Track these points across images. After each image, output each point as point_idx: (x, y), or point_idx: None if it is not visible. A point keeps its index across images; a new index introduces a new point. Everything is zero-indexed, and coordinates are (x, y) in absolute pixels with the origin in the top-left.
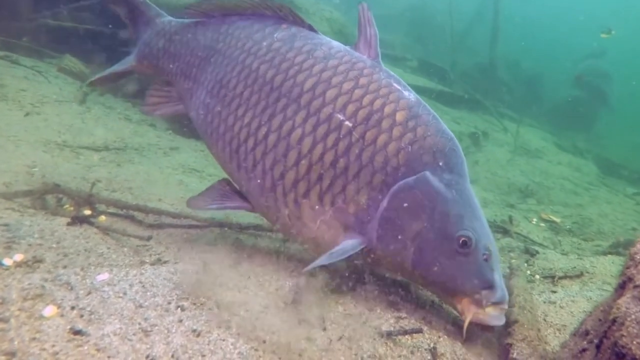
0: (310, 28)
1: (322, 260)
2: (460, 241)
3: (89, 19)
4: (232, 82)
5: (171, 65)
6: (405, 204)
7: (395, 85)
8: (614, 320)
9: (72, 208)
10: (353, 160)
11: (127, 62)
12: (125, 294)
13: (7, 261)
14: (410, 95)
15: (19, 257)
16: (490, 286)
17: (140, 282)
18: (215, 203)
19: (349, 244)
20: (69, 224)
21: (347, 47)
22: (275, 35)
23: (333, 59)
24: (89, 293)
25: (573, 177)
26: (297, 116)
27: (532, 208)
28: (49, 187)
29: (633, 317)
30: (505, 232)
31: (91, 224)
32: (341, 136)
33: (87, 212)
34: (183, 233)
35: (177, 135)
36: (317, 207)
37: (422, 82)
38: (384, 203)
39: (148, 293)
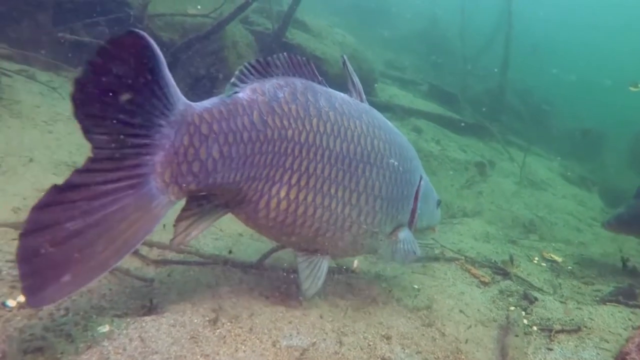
0: (322, 83)
1: (417, 250)
2: (438, 203)
3: (105, 33)
4: (319, 167)
5: (230, 175)
6: (425, 199)
7: (385, 119)
8: None
9: None
10: (406, 186)
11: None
12: (124, 349)
13: (11, 302)
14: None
15: (23, 298)
16: None
17: (140, 337)
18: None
19: (409, 236)
20: None
21: (350, 97)
22: (321, 104)
23: (364, 115)
24: (89, 347)
25: (577, 211)
26: (372, 173)
27: (534, 245)
28: None
29: None
30: (505, 274)
31: None
32: (398, 174)
33: None
34: (186, 270)
35: None
36: (394, 225)
37: (431, 108)
38: (418, 203)
39: (147, 349)
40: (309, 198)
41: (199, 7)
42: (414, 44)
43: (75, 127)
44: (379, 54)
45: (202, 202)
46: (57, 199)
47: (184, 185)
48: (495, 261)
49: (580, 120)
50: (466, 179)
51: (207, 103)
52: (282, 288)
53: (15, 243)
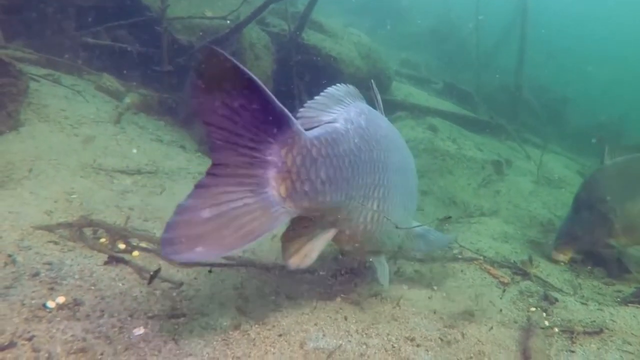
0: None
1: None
2: None
3: (124, 37)
4: (390, 179)
5: (338, 195)
6: None
7: None
8: None
9: (107, 241)
10: (415, 188)
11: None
12: (159, 351)
13: (51, 304)
14: None
15: (61, 299)
16: None
17: (174, 340)
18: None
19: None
20: (106, 263)
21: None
22: (380, 124)
23: (391, 130)
24: (127, 349)
25: None
26: (407, 178)
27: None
28: (87, 221)
29: None
30: (525, 275)
31: (126, 262)
32: (414, 178)
33: (121, 245)
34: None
35: (205, 157)
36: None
37: (446, 106)
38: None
39: (181, 351)
40: (387, 207)
41: (210, 12)
42: (428, 43)
43: (99, 130)
44: (394, 53)
45: (307, 224)
46: (196, 193)
47: (298, 201)
48: (514, 261)
49: (598, 116)
50: (483, 177)
51: (315, 132)
52: (305, 289)
53: (51, 245)
